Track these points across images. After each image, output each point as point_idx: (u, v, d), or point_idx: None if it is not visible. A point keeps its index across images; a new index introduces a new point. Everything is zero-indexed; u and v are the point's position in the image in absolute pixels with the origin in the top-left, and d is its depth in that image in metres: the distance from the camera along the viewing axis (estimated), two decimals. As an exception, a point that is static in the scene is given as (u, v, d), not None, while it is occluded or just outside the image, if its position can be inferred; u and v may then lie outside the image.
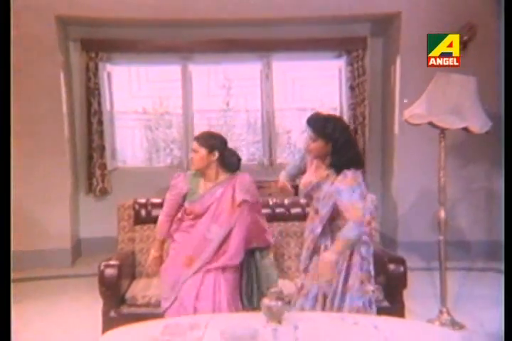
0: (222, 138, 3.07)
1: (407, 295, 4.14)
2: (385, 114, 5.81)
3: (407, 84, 5.26)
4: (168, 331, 2.40)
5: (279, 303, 2.50)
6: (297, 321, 2.50)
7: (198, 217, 2.93)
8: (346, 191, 2.59)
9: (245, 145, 6.29)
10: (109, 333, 2.47)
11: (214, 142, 2.98)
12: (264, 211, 3.66)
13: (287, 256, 3.59)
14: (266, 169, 5.92)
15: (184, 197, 2.98)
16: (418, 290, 4.11)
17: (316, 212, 2.76)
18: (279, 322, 2.49)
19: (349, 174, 2.61)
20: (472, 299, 4.14)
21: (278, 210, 3.72)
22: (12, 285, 4.72)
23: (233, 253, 2.89)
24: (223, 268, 2.89)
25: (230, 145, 6.27)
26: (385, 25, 5.73)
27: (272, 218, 3.68)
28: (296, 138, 6.29)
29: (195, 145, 2.97)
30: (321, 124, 2.66)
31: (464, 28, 5.26)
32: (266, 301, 2.53)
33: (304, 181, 2.79)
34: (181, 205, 3.00)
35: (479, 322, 3.60)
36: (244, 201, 2.92)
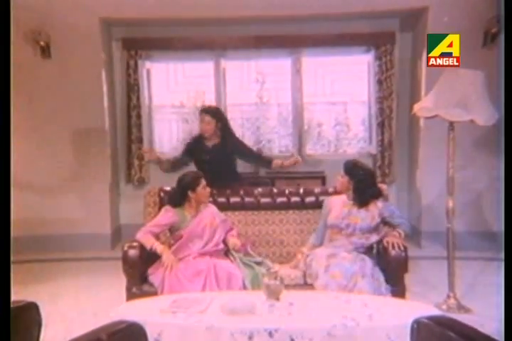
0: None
1: (424, 281, 4.34)
2: (412, 108, 5.88)
3: (432, 78, 5.31)
4: (176, 304, 2.68)
5: (277, 282, 2.77)
6: (294, 298, 2.75)
7: (182, 237, 3.56)
8: None
9: (278, 138, 6.50)
10: (124, 305, 2.79)
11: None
12: (280, 200, 3.94)
13: (300, 242, 3.81)
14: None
15: (172, 226, 3.61)
16: (437, 277, 4.26)
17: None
18: (277, 299, 2.75)
19: None
20: (486, 287, 4.25)
21: (293, 199, 3.95)
22: (52, 264, 5.21)
23: (215, 243, 3.58)
24: (210, 254, 3.50)
25: (264, 137, 6.50)
26: (413, 19, 5.80)
27: (287, 207, 3.94)
28: (327, 131, 6.46)
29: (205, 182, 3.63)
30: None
31: (492, 21, 5.28)
32: (265, 280, 2.80)
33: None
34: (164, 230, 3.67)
35: (486, 307, 3.72)
36: (222, 221, 3.68)
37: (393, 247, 3.30)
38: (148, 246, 3.40)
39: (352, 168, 3.60)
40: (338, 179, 3.65)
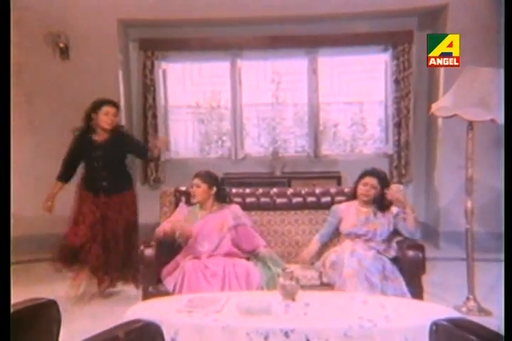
0: (217, 176, 3.74)
1: (443, 283, 4.26)
2: (430, 107, 5.82)
3: (451, 77, 5.26)
4: (191, 304, 2.68)
5: (293, 282, 2.75)
6: (310, 299, 2.73)
7: (192, 236, 3.50)
8: None
9: (294, 138, 6.47)
10: (140, 304, 2.79)
11: (213, 179, 3.65)
12: (296, 200, 3.91)
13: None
14: (311, 161, 6.14)
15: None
16: (455, 279, 4.18)
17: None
18: (293, 299, 2.73)
19: None
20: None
21: (309, 199, 3.93)
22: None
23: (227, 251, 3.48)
24: (225, 254, 3.45)
25: (280, 138, 6.46)
26: (432, 18, 5.74)
27: (303, 207, 3.91)
28: (343, 131, 6.42)
29: (197, 181, 3.61)
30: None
31: (511, 19, 5.21)
32: (281, 280, 2.78)
33: None
34: None
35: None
36: (234, 226, 3.53)
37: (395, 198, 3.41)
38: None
39: (384, 177, 3.62)
40: (370, 190, 3.54)
